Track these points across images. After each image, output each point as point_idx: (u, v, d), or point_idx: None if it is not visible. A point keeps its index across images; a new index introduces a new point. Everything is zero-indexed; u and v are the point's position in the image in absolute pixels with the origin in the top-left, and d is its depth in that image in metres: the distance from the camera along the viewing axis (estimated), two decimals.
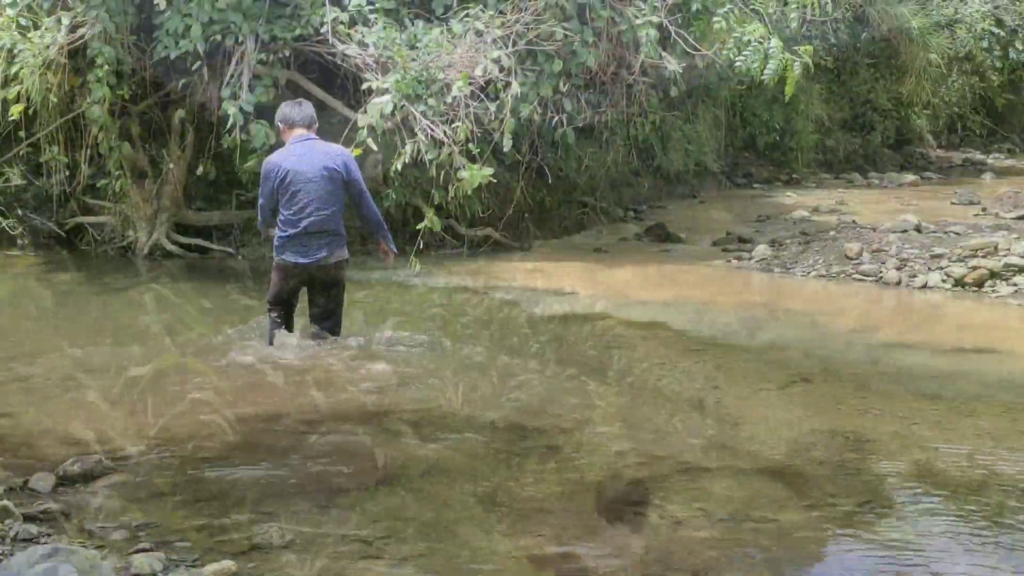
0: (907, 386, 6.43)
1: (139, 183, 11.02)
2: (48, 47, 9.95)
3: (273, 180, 6.75)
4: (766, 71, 11.05)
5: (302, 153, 6.78)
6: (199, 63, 10.27)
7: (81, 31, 10.05)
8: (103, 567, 3.59)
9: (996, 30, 21.84)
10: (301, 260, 6.81)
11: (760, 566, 3.94)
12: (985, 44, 21.79)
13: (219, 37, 10.19)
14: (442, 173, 9.63)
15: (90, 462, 4.63)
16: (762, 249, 11.23)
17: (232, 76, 10.26)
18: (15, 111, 10.14)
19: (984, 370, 6.81)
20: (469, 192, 9.76)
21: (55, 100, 10.22)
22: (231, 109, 10.06)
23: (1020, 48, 22.53)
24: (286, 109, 6.95)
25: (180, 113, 10.75)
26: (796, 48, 11.34)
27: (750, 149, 19.70)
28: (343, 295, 7.14)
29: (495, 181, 10.18)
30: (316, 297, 7.03)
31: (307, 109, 6.98)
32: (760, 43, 10.97)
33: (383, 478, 4.73)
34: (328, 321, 7.03)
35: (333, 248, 6.91)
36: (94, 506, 4.33)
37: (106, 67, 9.88)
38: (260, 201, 6.99)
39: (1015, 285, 9.20)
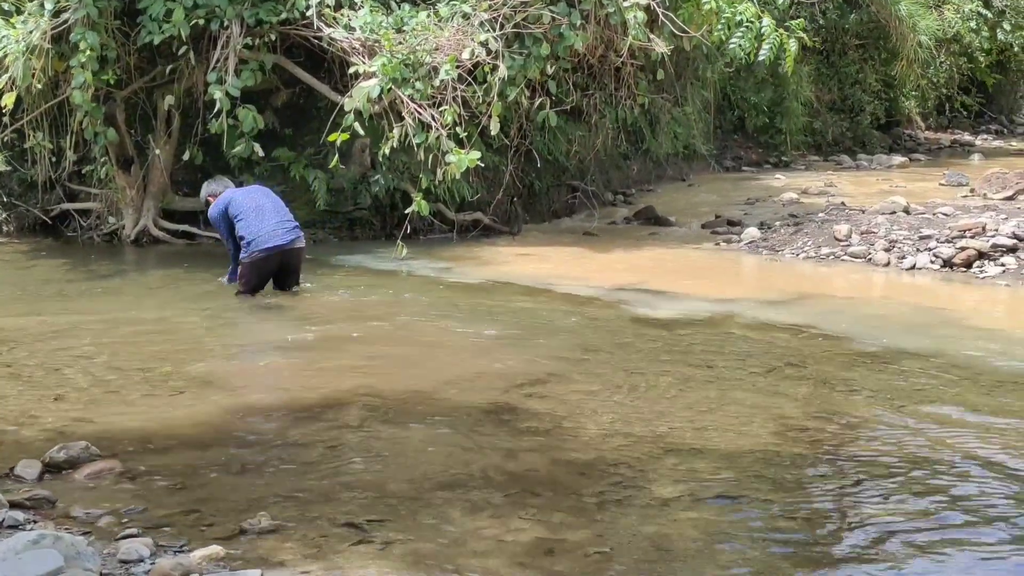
0: None
1: (125, 169, 10.98)
2: (31, 32, 9.88)
3: None
4: (761, 52, 11.04)
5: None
6: (184, 48, 10.22)
7: (65, 16, 9.97)
8: (90, 553, 3.57)
9: (984, 11, 21.86)
10: None
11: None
12: (973, 25, 21.80)
13: (203, 21, 10.13)
14: (430, 157, 9.59)
15: (76, 449, 4.60)
16: (751, 232, 11.23)
17: (218, 61, 10.22)
18: (7, 100, 10.06)
19: None
20: (457, 176, 9.73)
21: (39, 86, 10.15)
22: (218, 94, 10.02)
23: (1008, 29, 22.57)
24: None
25: (169, 99, 10.68)
26: (787, 25, 11.33)
27: (739, 132, 19.69)
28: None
29: (483, 165, 10.16)
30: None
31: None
32: (752, 23, 10.95)
33: (370, 460, 4.71)
34: None
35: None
36: (81, 493, 4.31)
37: (89, 52, 9.81)
38: None
39: (1003, 266, 9.21)
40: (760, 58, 11.12)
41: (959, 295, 8.80)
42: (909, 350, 6.76)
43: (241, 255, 8.12)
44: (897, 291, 8.97)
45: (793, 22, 11.29)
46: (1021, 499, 4.38)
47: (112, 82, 10.43)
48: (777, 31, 10.98)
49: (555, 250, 10.77)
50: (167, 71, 10.64)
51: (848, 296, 8.79)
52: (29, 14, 10.06)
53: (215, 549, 3.72)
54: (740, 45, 11.10)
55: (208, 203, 8.55)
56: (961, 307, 8.36)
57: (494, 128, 9.92)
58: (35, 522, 3.95)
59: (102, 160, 10.82)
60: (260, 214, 8.10)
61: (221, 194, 8.39)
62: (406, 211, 9.86)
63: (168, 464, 4.65)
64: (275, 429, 5.20)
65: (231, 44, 10.18)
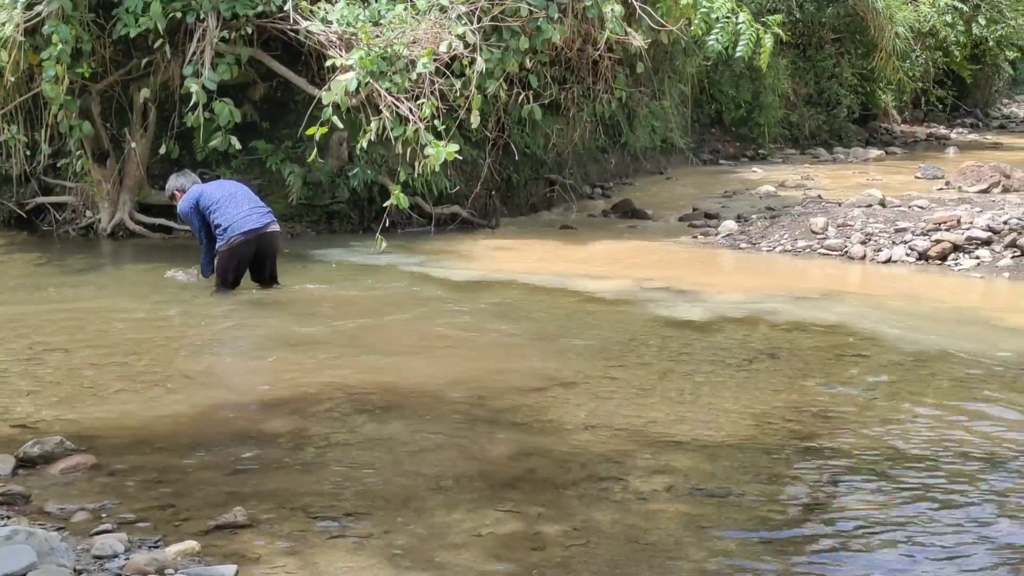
0: None
1: (101, 163, 10.90)
2: (4, 25, 9.79)
3: None
4: (738, 47, 11.07)
5: None
6: (160, 41, 10.16)
7: (38, 8, 9.89)
8: (63, 549, 3.56)
9: (959, 5, 21.98)
10: None
11: None
12: (948, 19, 21.92)
13: (180, 14, 10.07)
14: (408, 150, 9.57)
15: (50, 444, 4.58)
16: (728, 225, 11.26)
17: (194, 54, 10.17)
18: None
19: None
20: (436, 169, 9.70)
21: (13, 79, 10.06)
22: (194, 87, 9.96)
23: (982, 23, 22.70)
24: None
25: (144, 92, 10.61)
26: (764, 20, 11.37)
27: (717, 125, 19.76)
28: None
29: (461, 158, 10.14)
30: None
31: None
32: (729, 18, 10.98)
33: (346, 455, 4.71)
34: None
35: None
36: (55, 488, 4.28)
37: (60, 45, 9.72)
38: None
39: (977, 258, 9.28)
40: (738, 53, 11.14)
41: (997, 295, 8.54)
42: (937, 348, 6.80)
43: (218, 244, 8.08)
44: (873, 282, 9.02)
45: (770, 17, 11.31)
46: (996, 493, 4.41)
47: (87, 75, 10.35)
48: (753, 26, 11.01)
49: (534, 243, 10.77)
50: (143, 64, 10.57)
51: (830, 287, 8.83)
52: (2, 7, 9.96)
53: (190, 544, 3.71)
54: (718, 39, 11.12)
55: (174, 197, 8.51)
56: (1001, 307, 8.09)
57: (475, 121, 9.91)
58: (8, 518, 3.92)
59: (77, 153, 10.74)
60: (234, 200, 8.13)
61: (188, 189, 8.37)
62: (384, 204, 9.82)
63: (143, 459, 4.64)
64: (251, 424, 5.18)
65: (207, 37, 10.12)
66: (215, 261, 8.16)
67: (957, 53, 23.12)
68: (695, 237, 11.17)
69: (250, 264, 8.22)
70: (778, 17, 11.42)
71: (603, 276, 9.06)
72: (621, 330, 7.15)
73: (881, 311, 7.68)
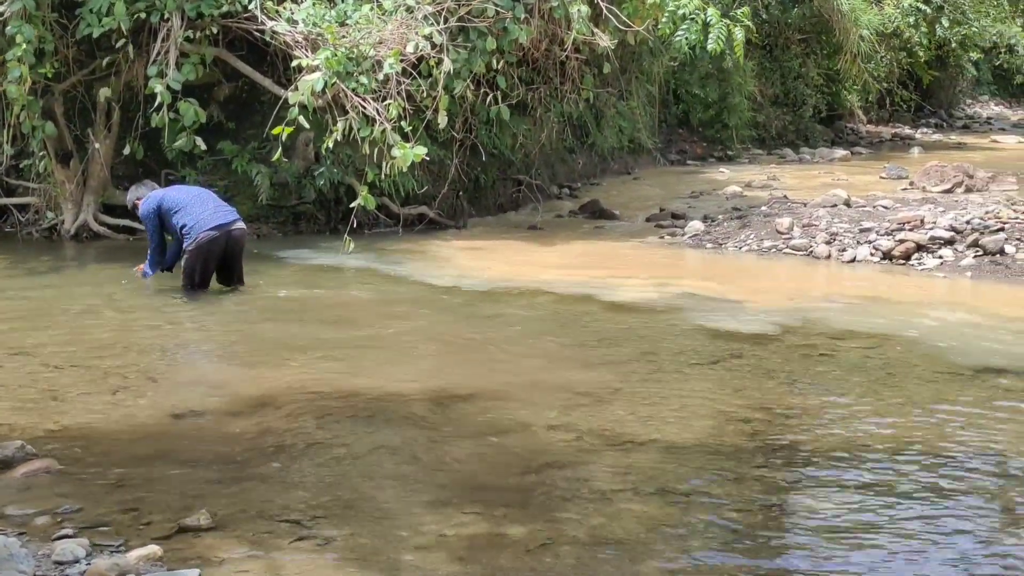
0: None
1: (64, 163, 10.80)
2: None
3: None
4: (709, 40, 11.11)
5: None
6: (124, 41, 10.08)
7: (1, 8, 9.78)
8: (23, 554, 3.53)
9: (923, 7, 22.20)
10: None
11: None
12: (912, 20, 22.14)
13: (144, 14, 10.00)
14: (375, 151, 9.54)
15: (11, 448, 4.53)
16: (695, 225, 11.31)
17: (158, 54, 10.10)
18: None
19: None
20: (403, 170, 9.68)
21: None
22: (158, 87, 9.90)
23: (946, 25, 22.93)
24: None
25: (105, 92, 10.52)
26: (733, 15, 11.43)
27: (684, 126, 19.84)
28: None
29: (429, 159, 10.12)
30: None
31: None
32: (697, 14, 11.02)
33: (311, 458, 4.69)
34: None
35: None
36: (15, 493, 4.24)
37: (24, 46, 9.62)
38: None
39: (940, 258, 9.36)
40: (709, 46, 11.16)
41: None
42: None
43: (185, 244, 8.03)
44: (839, 282, 9.08)
45: (739, 11, 11.37)
46: (962, 490, 4.46)
47: (50, 75, 10.26)
48: (722, 20, 11.07)
49: (502, 243, 10.77)
50: (106, 64, 10.48)
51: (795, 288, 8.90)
52: None
53: (153, 549, 3.68)
54: (686, 38, 11.16)
55: (135, 206, 8.51)
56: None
57: (442, 122, 9.90)
58: None
59: (40, 154, 10.63)
60: (199, 201, 8.15)
61: (149, 194, 8.38)
62: (351, 205, 9.79)
63: (106, 462, 4.60)
64: (215, 427, 5.15)
65: (172, 37, 10.05)
66: (183, 261, 8.07)
67: (921, 54, 23.35)
68: (662, 237, 11.21)
69: (218, 266, 8.15)
70: (746, 10, 11.47)
71: (571, 275, 9.08)
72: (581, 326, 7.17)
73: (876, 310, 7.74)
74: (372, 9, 10.12)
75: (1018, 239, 9.40)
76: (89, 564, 3.57)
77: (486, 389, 5.75)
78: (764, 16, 20.03)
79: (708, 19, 11.09)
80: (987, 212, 10.00)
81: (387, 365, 6.31)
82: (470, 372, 6.12)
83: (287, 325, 7.27)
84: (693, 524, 4.06)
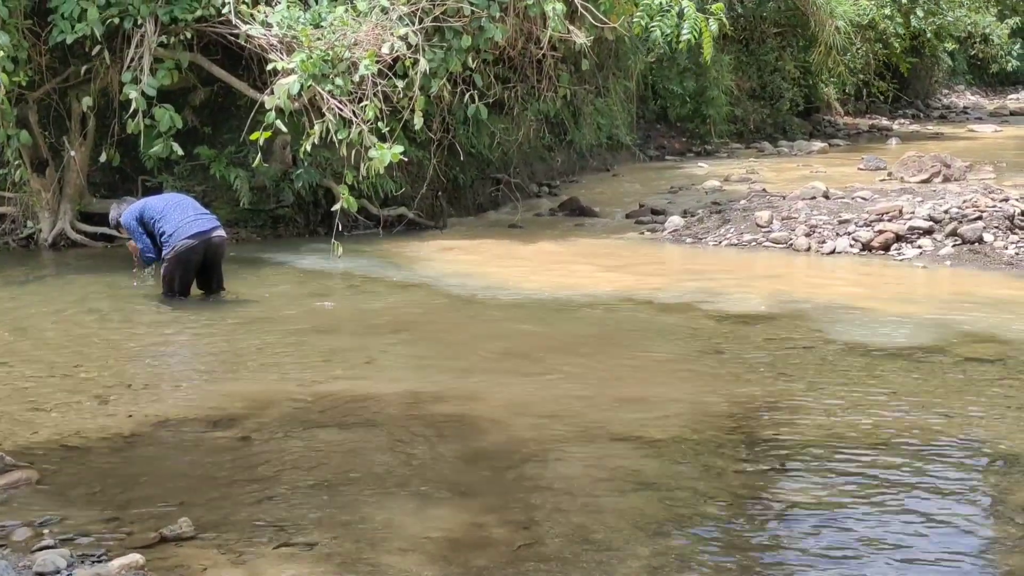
0: None
1: (40, 172, 10.74)
2: None
3: None
4: (682, 33, 11.11)
5: None
6: (98, 47, 10.02)
7: None
8: (3, 566, 3.50)
9: None
10: None
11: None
12: (887, 12, 22.22)
13: (117, 20, 9.94)
14: (353, 153, 9.51)
15: None
16: (675, 220, 11.33)
17: (132, 60, 10.04)
18: None
19: None
20: (381, 171, 9.65)
21: None
22: (133, 93, 9.85)
23: (920, 16, 23.03)
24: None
25: (87, 101, 10.42)
26: (706, 8, 11.44)
27: (662, 121, 19.87)
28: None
29: (407, 159, 10.10)
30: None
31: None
32: (670, 6, 11.02)
33: (292, 465, 4.67)
34: None
35: None
36: None
37: (1, 54, 9.55)
38: None
39: (919, 248, 9.41)
40: (683, 38, 11.16)
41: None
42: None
43: (164, 251, 8.02)
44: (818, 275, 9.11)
45: (713, 5, 11.37)
46: (945, 486, 4.47)
47: (24, 83, 10.18)
48: (696, 14, 11.09)
49: (482, 243, 10.76)
50: (81, 71, 10.42)
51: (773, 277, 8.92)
52: None
53: (134, 558, 3.66)
54: (661, 29, 11.16)
55: (118, 224, 8.48)
56: None
57: (418, 122, 9.87)
58: None
59: (16, 163, 10.56)
60: (179, 207, 8.13)
61: (130, 207, 8.36)
62: (332, 208, 9.76)
63: (87, 472, 4.57)
64: (195, 435, 5.12)
65: (146, 42, 10.00)
66: (162, 269, 8.06)
67: (896, 45, 23.45)
68: (642, 233, 11.23)
69: (197, 272, 8.11)
70: (721, 5, 11.49)
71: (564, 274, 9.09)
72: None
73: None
74: (347, 11, 10.08)
75: (996, 227, 9.46)
76: (71, 574, 3.54)
77: (450, 388, 5.74)
78: (740, 10, 20.08)
79: (683, 8, 11.10)
80: (965, 201, 10.05)
81: (367, 369, 6.28)
82: (449, 377, 6.11)
83: (264, 330, 7.23)
84: (677, 520, 4.06)
